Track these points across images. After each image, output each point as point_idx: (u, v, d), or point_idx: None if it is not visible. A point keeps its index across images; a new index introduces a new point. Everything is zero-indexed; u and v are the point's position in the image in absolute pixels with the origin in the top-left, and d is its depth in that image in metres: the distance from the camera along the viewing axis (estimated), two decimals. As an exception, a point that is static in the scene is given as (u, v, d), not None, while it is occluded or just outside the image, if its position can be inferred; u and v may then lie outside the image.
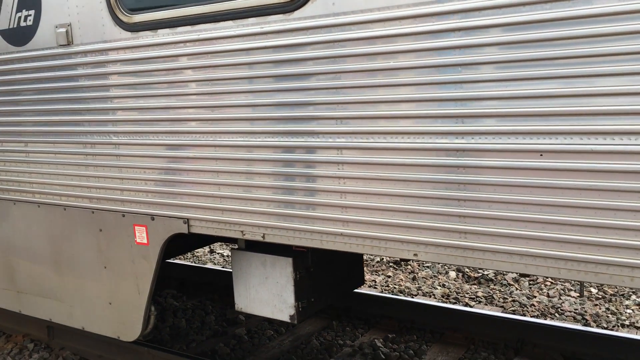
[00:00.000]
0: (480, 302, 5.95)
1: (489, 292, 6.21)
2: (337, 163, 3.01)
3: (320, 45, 2.95)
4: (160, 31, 3.49)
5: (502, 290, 6.29)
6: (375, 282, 6.67)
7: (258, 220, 3.32)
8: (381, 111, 2.84)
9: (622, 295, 6.07)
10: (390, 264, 7.31)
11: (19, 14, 4.16)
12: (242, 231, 3.40)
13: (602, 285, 6.19)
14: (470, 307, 5.66)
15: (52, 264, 4.38)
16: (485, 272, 6.80)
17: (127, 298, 4.01)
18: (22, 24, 4.15)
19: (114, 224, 3.95)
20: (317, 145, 3.04)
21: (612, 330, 5.19)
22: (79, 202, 4.10)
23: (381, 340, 4.97)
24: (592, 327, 5.21)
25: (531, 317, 5.44)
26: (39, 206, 4.36)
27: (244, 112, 3.25)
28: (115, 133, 3.80)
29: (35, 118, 4.22)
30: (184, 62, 3.43)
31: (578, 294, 6.07)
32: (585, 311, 5.60)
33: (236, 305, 3.99)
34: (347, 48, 2.88)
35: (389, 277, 6.87)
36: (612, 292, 6.12)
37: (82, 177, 4.05)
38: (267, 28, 3.10)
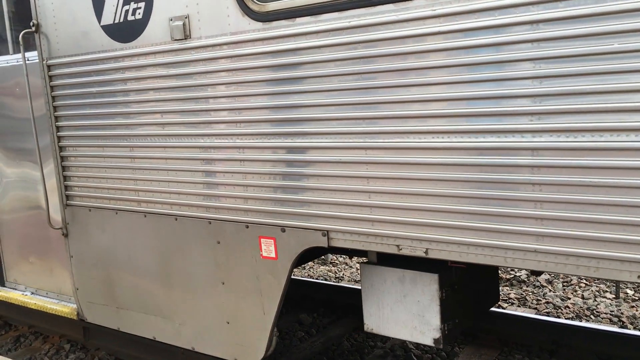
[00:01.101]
0: (512, 303, 5.71)
1: (522, 294, 5.96)
2: (531, 167, 2.52)
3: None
4: (299, 20, 3.05)
5: (535, 292, 6.03)
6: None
7: (420, 233, 2.84)
8: None
9: (659, 297, 5.80)
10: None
11: (125, 7, 3.76)
12: (397, 245, 2.93)
13: (638, 286, 6.01)
14: (503, 308, 5.43)
15: (160, 279, 3.98)
16: (518, 274, 6.50)
17: (249, 317, 3.57)
18: (130, 18, 3.75)
19: (235, 235, 3.52)
20: (509, 146, 2.55)
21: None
22: (193, 212, 3.69)
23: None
24: (629, 329, 5.02)
25: (566, 319, 5.17)
26: (145, 216, 3.96)
27: (415, 108, 2.77)
28: (239, 135, 3.37)
29: (143, 120, 3.82)
30: (327, 54, 2.98)
31: (614, 296, 5.80)
32: (622, 313, 5.38)
33: (365, 326, 3.53)
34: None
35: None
36: (648, 295, 5.91)
37: (197, 185, 3.63)
38: (440, 11, 2.62)
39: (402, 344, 4.72)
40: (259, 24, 3.19)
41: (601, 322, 5.24)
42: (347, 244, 3.10)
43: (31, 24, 4.30)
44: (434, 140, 2.74)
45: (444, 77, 2.65)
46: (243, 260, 3.51)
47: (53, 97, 4.32)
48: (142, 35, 3.71)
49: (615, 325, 5.10)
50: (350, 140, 2.97)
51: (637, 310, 5.47)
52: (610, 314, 5.37)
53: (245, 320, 3.59)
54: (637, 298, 5.78)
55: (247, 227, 3.45)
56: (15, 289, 5.25)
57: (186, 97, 3.56)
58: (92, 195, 4.24)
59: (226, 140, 3.42)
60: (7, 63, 4.82)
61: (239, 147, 3.39)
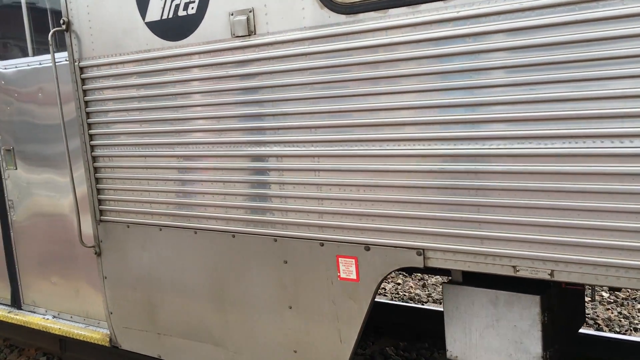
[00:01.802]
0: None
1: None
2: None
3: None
4: (392, 11, 2.67)
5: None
6: (385, 289, 6.46)
7: (544, 252, 2.46)
8: None
9: (635, 299, 5.89)
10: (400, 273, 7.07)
11: (176, 2, 3.35)
12: (514, 266, 2.55)
13: (613, 289, 6.14)
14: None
15: (212, 302, 3.55)
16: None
17: (321, 346, 3.16)
18: (181, 13, 3.34)
19: (307, 254, 3.11)
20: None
21: (624, 334, 5.03)
22: (255, 228, 3.27)
23: (392, 348, 4.81)
24: (605, 331, 5.10)
25: (541, 323, 5.20)
26: (195, 233, 3.53)
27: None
28: (315, 142, 2.97)
29: (194, 127, 3.40)
30: (426, 49, 2.60)
31: (589, 299, 5.87)
32: (598, 316, 5.47)
33: (448, 353, 3.14)
34: None
35: (399, 284, 6.65)
36: (624, 296, 5.92)
37: (261, 198, 3.22)
38: (577, -3, 2.27)
39: (382, 350, 4.70)
40: (342, 17, 2.80)
41: (575, 326, 5.37)
42: (447, 264, 2.72)
43: (61, 21, 3.87)
44: (602, 146, 2.38)
45: None
46: (316, 282, 3.11)
47: (86, 102, 3.88)
48: (195, 32, 3.30)
49: (592, 328, 5.18)
50: (459, 147, 2.59)
51: (612, 313, 5.54)
52: (587, 317, 5.40)
53: (316, 349, 3.17)
54: (612, 300, 5.88)
55: (322, 245, 3.05)
56: (34, 312, 4.76)
57: (249, 100, 3.15)
58: (130, 210, 3.80)
59: (299, 149, 3.02)
60: (29, 66, 4.37)
61: (314, 156, 2.99)
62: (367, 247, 2.90)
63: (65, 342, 4.84)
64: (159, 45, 3.46)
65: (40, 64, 4.29)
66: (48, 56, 4.23)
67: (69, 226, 4.36)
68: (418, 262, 2.77)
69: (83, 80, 3.86)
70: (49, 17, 4.36)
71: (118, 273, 3.96)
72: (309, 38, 2.91)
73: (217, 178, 3.37)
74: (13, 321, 4.75)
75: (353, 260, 2.96)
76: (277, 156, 3.11)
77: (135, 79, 3.60)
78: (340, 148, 2.90)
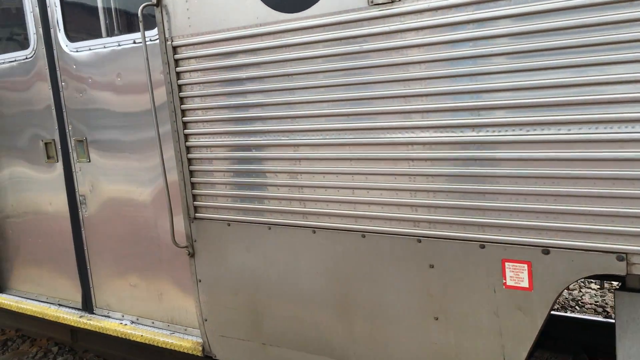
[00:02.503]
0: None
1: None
2: None
3: None
4: (594, -33, 2.19)
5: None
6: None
7: None
8: None
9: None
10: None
11: (296, -32, 2.88)
12: None
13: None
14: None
15: (334, 311, 3.09)
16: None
17: (477, 363, 2.69)
18: (303, -19, 2.86)
19: (461, 258, 2.64)
20: None
21: None
22: (393, 227, 2.80)
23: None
24: (614, 318, 4.83)
25: (552, 310, 4.85)
26: (314, 232, 3.07)
27: None
28: (478, 126, 2.49)
29: (316, 111, 2.93)
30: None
31: (598, 286, 5.75)
32: (606, 303, 5.36)
33: (620, 371, 2.67)
34: None
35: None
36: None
37: (400, 193, 2.75)
38: None
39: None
40: (523, -24, 2.32)
41: (586, 312, 5.24)
42: (658, 271, 2.24)
43: (151, -5, 3.40)
44: None
45: None
46: (473, 289, 2.64)
47: (179, 87, 3.41)
48: (319, 1, 2.82)
49: (600, 315, 5.05)
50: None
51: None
52: (595, 304, 5.32)
53: (471, 366, 2.71)
54: (620, 288, 5.76)
55: (483, 247, 2.57)
56: (108, 317, 4.32)
57: (390, 79, 2.67)
58: (232, 206, 3.34)
59: (463, 134, 2.54)
60: (105, 48, 3.90)
61: (482, 142, 2.51)
62: (545, 250, 2.43)
63: (76, 333, 4.88)
64: (272, 18, 2.98)
65: (119, 44, 3.82)
66: (127, 36, 3.76)
67: (151, 223, 3.91)
68: (618, 268, 2.29)
69: (176, 62, 3.39)
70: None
71: (215, 276, 3.51)
72: (477, 2, 2.42)
73: (343, 169, 2.90)
74: (86, 327, 4.31)
75: (525, 265, 2.48)
76: (429, 143, 2.63)
77: (241, 59, 3.13)
78: (510, 134, 2.43)
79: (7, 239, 4.91)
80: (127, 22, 3.96)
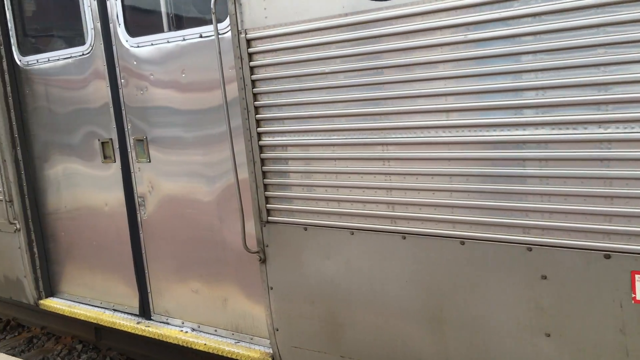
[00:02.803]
0: None
1: None
2: None
3: None
4: None
5: None
6: None
7: None
8: None
9: None
10: None
11: (390, -48, 2.64)
12: None
13: None
14: None
15: (425, 323, 2.84)
16: None
17: (597, 385, 2.43)
18: (398, -35, 2.62)
19: (581, 269, 2.37)
20: None
21: None
22: (497, 234, 2.54)
23: None
24: None
25: None
26: (404, 238, 2.82)
27: None
28: (603, 122, 2.23)
29: (412, 107, 2.69)
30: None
31: None
32: None
33: None
34: None
35: None
36: None
37: (507, 196, 2.49)
38: None
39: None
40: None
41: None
42: None
43: (224, -14, 3.19)
44: None
45: None
46: (594, 304, 2.37)
47: (253, 82, 3.19)
48: (417, -12, 2.58)
49: None
50: None
51: None
52: None
53: (588, 388, 2.44)
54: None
55: (608, 257, 2.30)
56: (167, 324, 4.13)
57: (509, 70, 2.42)
58: (310, 209, 3.11)
59: (587, 131, 2.28)
60: (169, 42, 3.70)
61: (608, 140, 2.25)
62: (688, 261, 2.16)
63: (100, 331, 4.87)
64: (362, 7, 2.75)
65: (184, 39, 3.62)
66: (193, 30, 3.56)
67: (216, 226, 3.71)
68: None
69: (250, 56, 3.17)
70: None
71: (289, 283, 3.28)
72: (607, -15, 2.16)
73: (440, 170, 2.65)
74: (144, 333, 4.12)
75: (660, 278, 2.22)
76: (544, 142, 2.37)
77: (325, 52, 2.90)
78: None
79: (58, 241, 4.75)
80: (192, 15, 3.77)
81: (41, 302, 4.84)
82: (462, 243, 2.65)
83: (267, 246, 3.33)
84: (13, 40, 4.60)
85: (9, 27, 4.60)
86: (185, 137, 3.72)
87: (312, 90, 2.98)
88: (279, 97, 3.11)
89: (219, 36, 3.36)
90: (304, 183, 3.11)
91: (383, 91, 2.74)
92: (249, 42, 3.16)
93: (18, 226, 4.75)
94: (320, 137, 3.01)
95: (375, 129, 2.80)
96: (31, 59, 4.53)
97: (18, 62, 4.61)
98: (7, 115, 4.65)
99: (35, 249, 4.82)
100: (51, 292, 4.92)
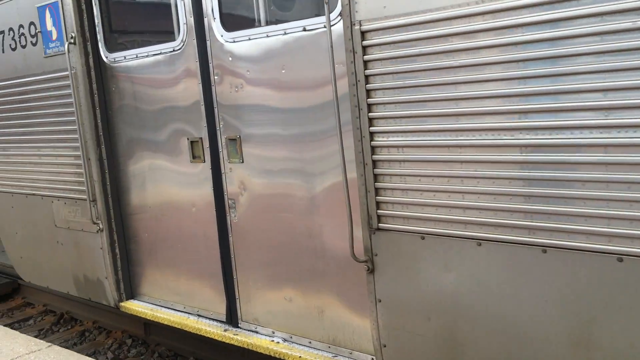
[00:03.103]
0: None
1: None
2: None
3: None
4: None
5: None
6: None
7: None
8: None
9: None
10: None
11: None
12: None
13: None
14: None
15: (568, 348, 2.51)
16: None
17: None
18: (549, -55, 2.31)
19: None
20: None
21: None
22: (667, 250, 2.21)
23: None
24: None
25: None
26: (543, 251, 2.51)
27: None
28: None
29: (556, 105, 2.38)
30: None
31: None
32: None
33: None
34: None
35: None
36: None
37: (682, 207, 2.15)
38: None
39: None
40: None
41: None
42: None
43: (336, -26, 2.95)
44: None
45: None
46: None
47: (367, 77, 2.94)
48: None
49: None
50: None
51: None
52: None
53: None
54: None
55: None
56: (256, 332, 3.91)
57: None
58: (428, 216, 2.83)
59: None
60: (268, 36, 3.48)
61: None
62: None
63: (149, 326, 5.06)
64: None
65: (285, 33, 3.39)
66: (296, 23, 3.33)
67: (314, 231, 3.47)
68: None
69: (364, 49, 2.92)
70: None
71: (401, 297, 3.00)
72: None
73: (596, 176, 2.33)
74: (232, 342, 3.92)
75: None
76: None
77: (453, 44, 2.61)
78: None
79: (140, 242, 4.62)
80: (293, 8, 3.55)
81: (122, 304, 4.71)
82: (620, 260, 2.31)
83: (376, 255, 3.07)
84: (100, 37, 4.49)
85: (96, 23, 4.49)
86: (284, 137, 3.50)
87: (436, 86, 2.70)
88: (396, 94, 2.85)
89: (326, 29, 3.12)
90: (423, 187, 2.83)
91: (526, 86, 2.44)
92: (363, 34, 2.90)
93: (101, 226, 4.64)
94: (444, 138, 2.72)
95: (514, 129, 2.50)
96: (118, 55, 4.40)
97: (104, 59, 4.50)
98: (92, 113, 4.54)
99: (117, 250, 4.70)
100: (131, 294, 4.79)
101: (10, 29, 5.02)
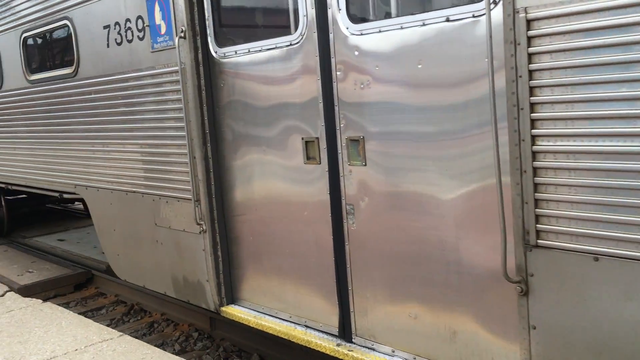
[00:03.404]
0: None
1: None
2: None
3: None
4: None
5: None
6: None
7: None
8: None
9: None
10: None
11: None
12: None
13: None
14: None
15: None
16: None
17: None
18: None
19: None
20: None
21: None
22: None
23: None
24: None
25: None
26: None
27: None
28: None
29: None
30: None
31: None
32: None
33: None
34: None
35: None
36: None
37: None
38: None
39: None
40: None
41: None
42: None
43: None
44: None
45: None
46: None
47: (530, 73, 2.56)
48: None
49: None
50: None
51: None
52: None
53: None
54: None
55: None
56: (374, 350, 3.59)
57: None
58: (605, 234, 2.42)
59: None
60: (402, 28, 3.16)
61: None
62: None
63: (214, 321, 5.21)
64: None
65: (423, 24, 3.06)
66: (436, 13, 2.99)
67: (449, 243, 3.12)
68: None
69: (529, 40, 2.54)
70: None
71: (562, 325, 2.61)
72: None
73: None
74: (345, 358, 3.62)
75: None
76: None
77: (652, 32, 2.20)
78: None
79: (243, 245, 4.39)
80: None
81: (223, 309, 4.51)
82: None
83: (531, 275, 2.68)
84: (209, 31, 4.30)
85: (206, 17, 4.30)
86: (416, 139, 3.17)
87: (626, 82, 2.30)
88: (568, 92, 2.45)
89: (475, 18, 2.76)
90: (600, 201, 2.42)
91: None
92: (529, 22, 2.53)
93: (204, 227, 4.45)
94: (630, 144, 2.31)
95: None
96: (228, 50, 4.19)
97: (213, 54, 4.30)
98: (199, 110, 4.35)
99: (219, 252, 4.50)
100: (232, 299, 4.58)
101: (117, 23, 4.93)
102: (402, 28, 3.15)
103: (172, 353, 4.86)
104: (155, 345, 4.99)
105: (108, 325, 5.77)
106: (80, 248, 8.46)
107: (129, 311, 6.30)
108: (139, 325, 5.93)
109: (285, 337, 4.01)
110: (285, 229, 4.03)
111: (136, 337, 5.23)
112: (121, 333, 4.96)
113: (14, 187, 7.46)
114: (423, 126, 3.13)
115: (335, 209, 3.66)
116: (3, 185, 7.68)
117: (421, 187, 3.19)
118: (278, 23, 4.10)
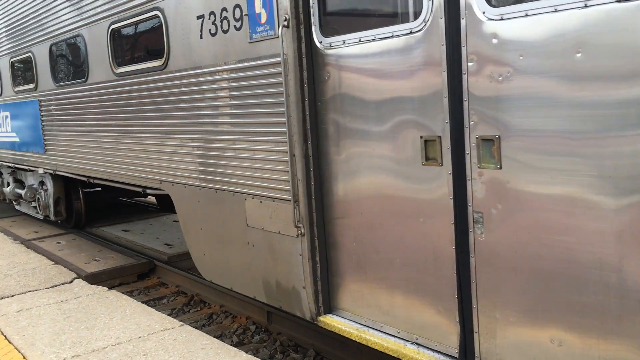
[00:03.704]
0: None
1: None
2: None
3: None
4: None
5: None
6: None
7: None
8: None
9: None
10: None
11: None
12: None
13: None
14: None
15: None
16: None
17: None
18: None
19: None
20: None
21: None
22: None
23: None
24: None
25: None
26: None
27: None
28: None
29: None
30: None
31: None
32: None
33: None
34: None
35: None
36: None
37: None
38: None
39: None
40: None
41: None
42: None
43: None
44: None
45: None
46: None
47: None
48: None
49: None
50: None
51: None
52: None
53: None
54: None
55: None
56: (501, 376, 3.18)
57: None
58: None
59: None
60: (556, 11, 2.72)
61: None
62: None
63: (272, 315, 5.34)
64: None
65: (585, 5, 2.61)
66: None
67: (611, 262, 2.66)
68: None
69: None
70: None
71: None
72: None
73: None
74: (469, 383, 3.22)
75: None
76: None
77: None
78: None
79: (344, 251, 4.05)
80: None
81: (320, 319, 4.18)
82: None
83: None
84: (314, 20, 3.97)
85: (311, 4, 3.97)
86: (572, 138, 2.72)
87: None
88: None
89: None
90: None
91: None
92: None
93: (302, 230, 4.13)
94: None
95: None
96: (335, 40, 3.85)
97: (317, 45, 3.97)
98: (300, 105, 4.04)
99: (317, 258, 4.17)
100: (329, 308, 4.25)
101: (212, 13, 4.67)
102: (556, 11, 2.71)
103: (230, 345, 4.85)
104: (214, 337, 5.06)
105: (169, 315, 5.94)
106: (143, 239, 8.66)
107: (189, 302, 6.41)
108: (198, 315, 6.02)
109: (395, 355, 3.63)
110: (397, 236, 3.65)
111: (196, 328, 5.30)
112: (182, 323, 5.00)
113: (96, 181, 7.39)
114: (581, 124, 2.68)
115: (459, 216, 3.26)
116: (85, 179, 7.64)
117: (574, 195, 2.75)
118: (393, 10, 3.73)
